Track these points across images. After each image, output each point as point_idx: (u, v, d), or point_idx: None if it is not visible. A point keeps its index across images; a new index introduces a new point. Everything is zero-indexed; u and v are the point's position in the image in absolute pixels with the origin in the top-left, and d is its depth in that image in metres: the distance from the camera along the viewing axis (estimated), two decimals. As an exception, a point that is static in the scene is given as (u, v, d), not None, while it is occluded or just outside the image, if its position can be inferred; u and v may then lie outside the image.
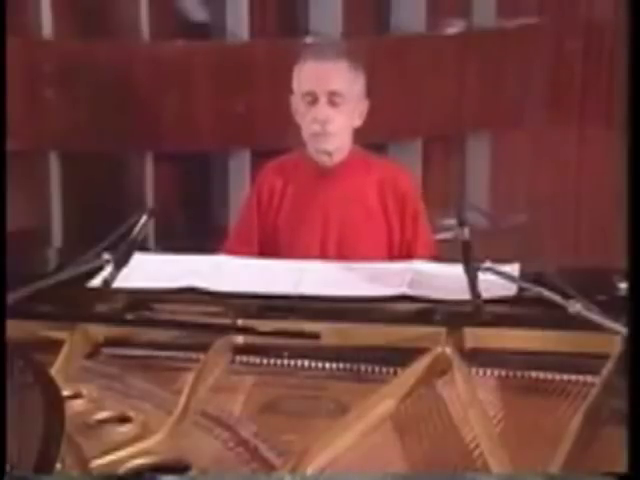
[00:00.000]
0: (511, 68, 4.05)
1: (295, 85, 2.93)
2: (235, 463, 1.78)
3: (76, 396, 2.02)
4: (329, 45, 3.07)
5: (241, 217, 3.09)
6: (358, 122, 2.95)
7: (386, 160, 3.15)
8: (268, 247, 2.93)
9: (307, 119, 2.90)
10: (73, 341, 2.15)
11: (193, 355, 2.14)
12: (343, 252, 2.87)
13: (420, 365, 2.02)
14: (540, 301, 2.12)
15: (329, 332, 2.15)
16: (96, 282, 2.40)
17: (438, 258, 2.80)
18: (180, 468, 1.76)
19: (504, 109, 4.09)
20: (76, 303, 2.38)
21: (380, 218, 2.95)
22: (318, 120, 2.87)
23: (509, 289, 2.30)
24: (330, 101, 2.87)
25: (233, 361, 2.16)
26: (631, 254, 1.82)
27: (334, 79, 2.88)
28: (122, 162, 4.08)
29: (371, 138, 3.64)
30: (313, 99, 2.88)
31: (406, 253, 2.88)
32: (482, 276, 2.21)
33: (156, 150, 3.99)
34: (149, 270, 2.52)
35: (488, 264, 2.20)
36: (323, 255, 2.84)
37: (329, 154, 2.93)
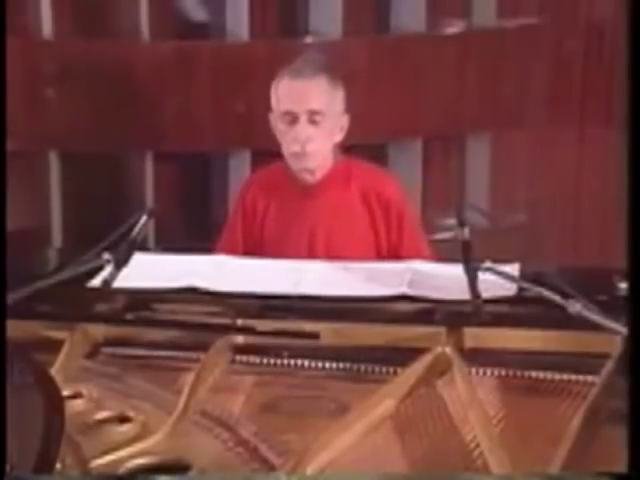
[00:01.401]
0: (511, 68, 4.04)
1: (273, 103, 2.89)
2: (235, 463, 1.78)
3: (76, 396, 2.02)
4: (307, 61, 3.00)
5: (226, 230, 3.05)
6: (339, 137, 2.91)
7: (370, 167, 3.07)
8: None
9: (287, 138, 2.86)
10: (73, 341, 2.15)
11: (193, 355, 2.14)
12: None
13: (420, 365, 2.02)
14: (540, 301, 2.12)
15: (329, 332, 2.15)
16: (96, 282, 2.41)
17: (437, 258, 2.80)
18: (180, 468, 1.76)
19: (504, 109, 4.09)
20: (76, 303, 2.38)
21: (366, 227, 2.92)
22: (299, 140, 2.83)
23: (509, 289, 2.30)
24: (310, 120, 2.83)
25: (233, 361, 2.16)
26: (631, 254, 1.82)
27: (313, 97, 2.84)
28: (122, 162, 4.08)
29: (371, 138, 3.66)
30: (293, 118, 2.84)
31: (394, 258, 2.83)
32: (482, 276, 2.21)
33: (156, 150, 3.99)
34: (149, 270, 2.51)
35: (488, 264, 2.20)
36: None
37: (311, 172, 2.90)
